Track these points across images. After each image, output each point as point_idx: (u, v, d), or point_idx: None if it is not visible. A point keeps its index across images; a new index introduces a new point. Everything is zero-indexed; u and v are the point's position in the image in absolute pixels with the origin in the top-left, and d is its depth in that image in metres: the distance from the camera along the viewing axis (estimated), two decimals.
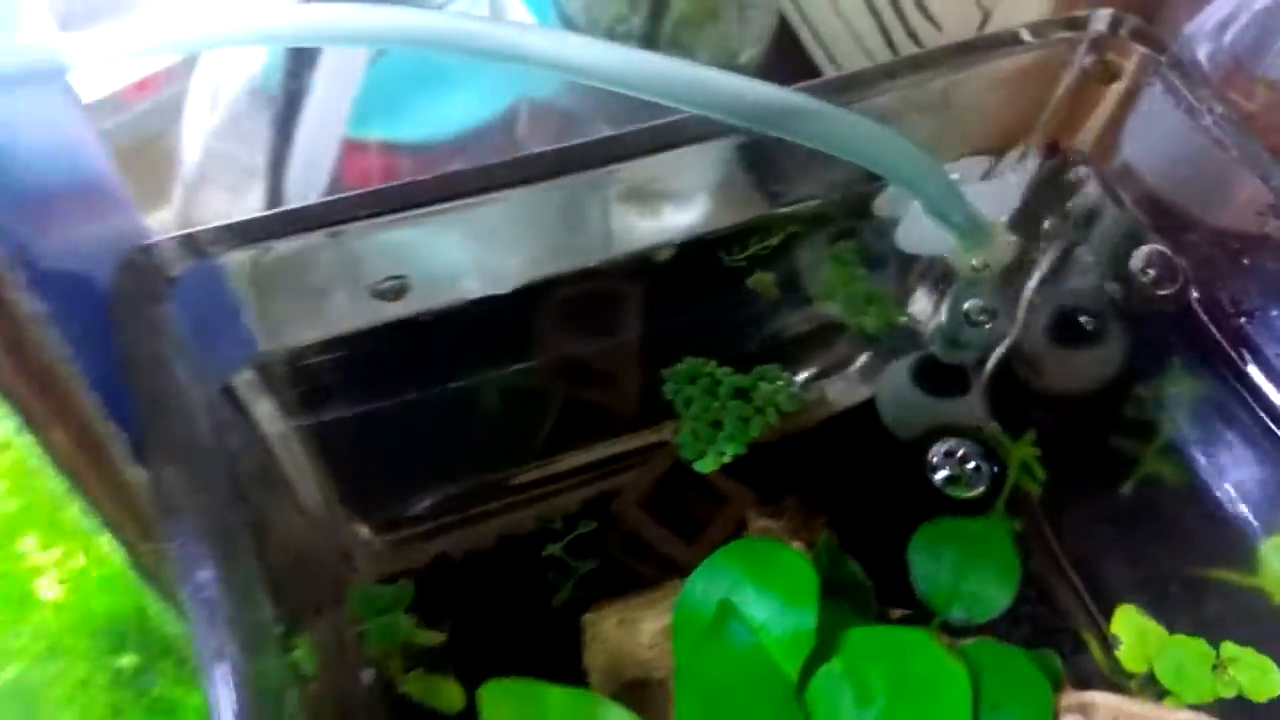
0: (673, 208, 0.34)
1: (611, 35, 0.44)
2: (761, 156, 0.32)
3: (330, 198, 0.26)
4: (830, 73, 0.53)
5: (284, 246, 0.25)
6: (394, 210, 0.26)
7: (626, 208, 0.33)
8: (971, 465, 0.36)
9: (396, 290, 0.27)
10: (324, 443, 0.31)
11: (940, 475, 0.37)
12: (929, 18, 0.47)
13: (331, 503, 0.32)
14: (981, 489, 0.36)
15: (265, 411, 0.28)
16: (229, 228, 0.25)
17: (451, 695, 0.29)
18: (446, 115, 0.43)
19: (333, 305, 0.27)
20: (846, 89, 0.30)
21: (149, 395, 0.22)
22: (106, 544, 0.22)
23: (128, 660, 0.26)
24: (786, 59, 0.51)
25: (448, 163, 0.42)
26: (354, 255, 0.26)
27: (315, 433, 0.31)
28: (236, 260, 0.25)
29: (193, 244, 0.25)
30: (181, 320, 0.24)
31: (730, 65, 0.45)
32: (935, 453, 0.37)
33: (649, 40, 0.45)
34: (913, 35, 0.49)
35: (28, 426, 0.17)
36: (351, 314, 0.28)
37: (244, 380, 0.28)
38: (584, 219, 0.32)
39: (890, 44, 0.50)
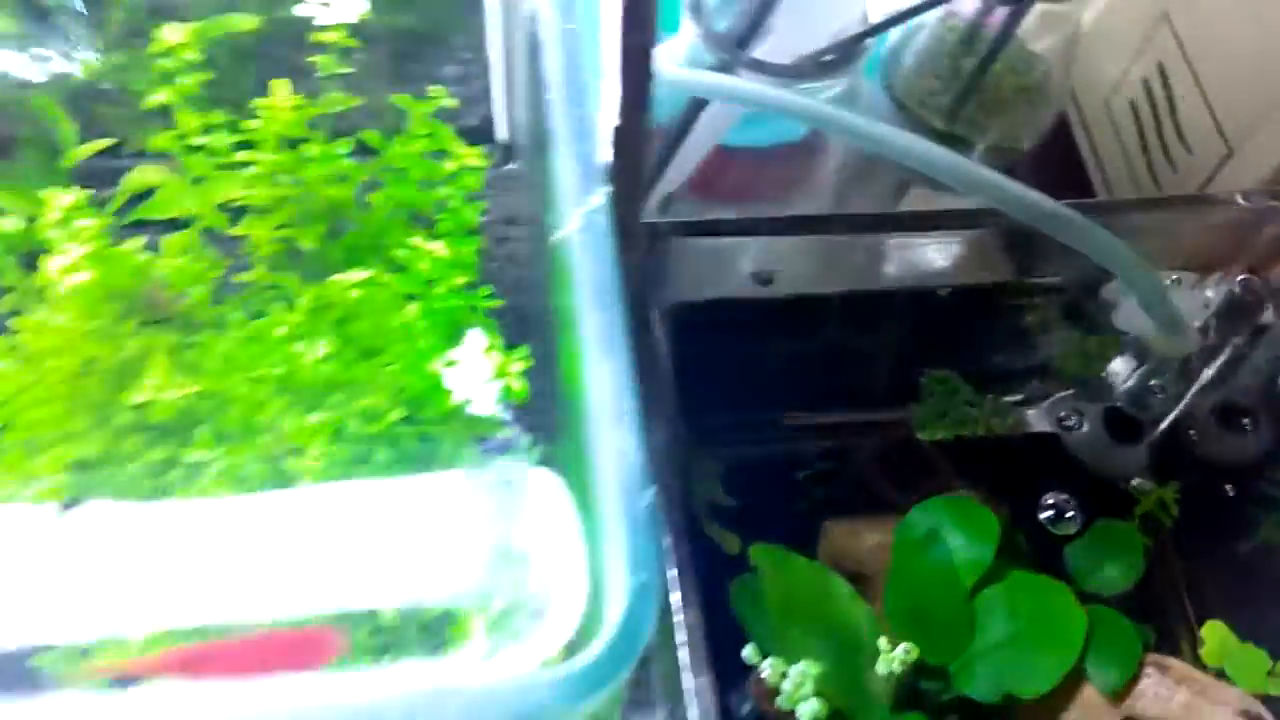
0: (946, 262, 0.47)
1: (923, 106, 0.56)
2: (1021, 239, 0.45)
3: (739, 218, 0.40)
4: (1091, 165, 0.64)
5: (705, 241, 0.40)
6: (778, 233, 0.41)
7: (912, 257, 0.46)
8: (1070, 513, 0.49)
9: (768, 278, 0.42)
10: (677, 367, 0.47)
11: (1045, 515, 0.49)
12: (1182, 139, 0.57)
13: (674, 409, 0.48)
14: (1075, 530, 0.49)
15: (659, 337, 0.44)
16: (680, 224, 0.40)
17: (733, 543, 0.45)
18: (769, 130, 0.57)
19: (723, 279, 0.42)
20: (1107, 210, 0.42)
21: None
22: None
23: None
24: (1058, 145, 0.62)
25: (768, 163, 0.56)
26: (749, 252, 0.41)
27: (676, 358, 0.46)
28: (676, 243, 0.41)
29: (657, 230, 0.40)
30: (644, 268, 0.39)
31: (1012, 148, 0.57)
32: (1044, 498, 0.50)
33: (951, 116, 0.56)
34: (1165, 148, 0.59)
35: None
36: (731, 287, 0.43)
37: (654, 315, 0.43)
38: (878, 260, 0.46)
39: (1145, 149, 0.60)
